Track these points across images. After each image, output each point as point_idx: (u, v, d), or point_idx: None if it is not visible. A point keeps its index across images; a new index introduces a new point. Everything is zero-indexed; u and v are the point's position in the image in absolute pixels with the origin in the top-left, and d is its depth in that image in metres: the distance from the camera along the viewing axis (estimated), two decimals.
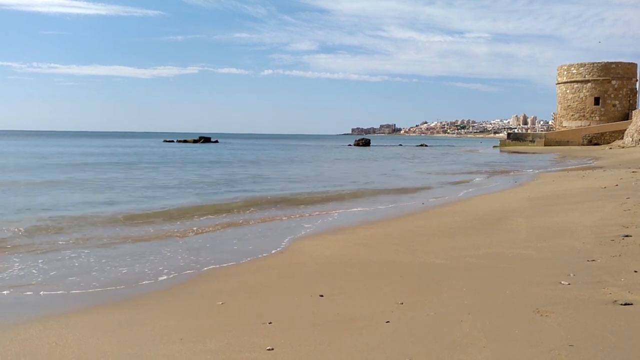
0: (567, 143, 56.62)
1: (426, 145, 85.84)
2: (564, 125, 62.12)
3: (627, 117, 56.14)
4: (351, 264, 7.30)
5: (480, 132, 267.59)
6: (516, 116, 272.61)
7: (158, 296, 5.94)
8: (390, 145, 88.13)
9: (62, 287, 6.44)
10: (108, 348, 4.33)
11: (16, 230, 9.91)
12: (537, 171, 26.66)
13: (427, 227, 10.32)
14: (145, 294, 6.10)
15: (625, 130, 50.04)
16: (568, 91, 61.78)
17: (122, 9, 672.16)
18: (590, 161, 32.56)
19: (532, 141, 62.13)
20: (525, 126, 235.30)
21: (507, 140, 67.94)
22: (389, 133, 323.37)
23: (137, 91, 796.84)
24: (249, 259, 7.98)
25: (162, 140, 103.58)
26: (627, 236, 7.63)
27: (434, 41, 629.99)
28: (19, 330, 4.86)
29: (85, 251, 8.56)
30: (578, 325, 4.42)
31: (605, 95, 59.79)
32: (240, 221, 11.82)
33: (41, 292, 6.22)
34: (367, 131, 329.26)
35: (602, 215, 9.58)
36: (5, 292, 6.42)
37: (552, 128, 77.26)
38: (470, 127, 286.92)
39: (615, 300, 4.97)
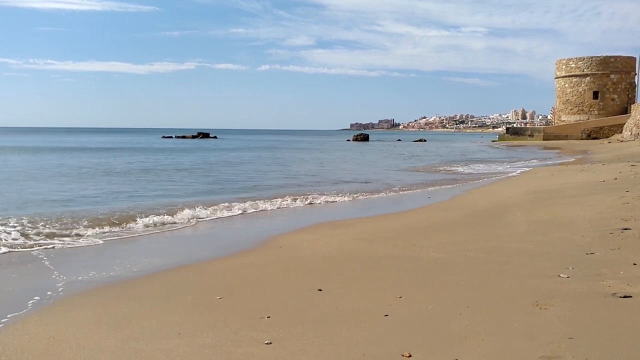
0: (566, 137, 56.61)
1: (424, 140, 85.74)
2: (562, 119, 62.11)
3: (625, 111, 56.10)
4: (350, 258, 7.29)
5: (479, 126, 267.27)
6: (515, 111, 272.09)
7: (156, 291, 5.91)
8: (389, 141, 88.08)
9: (60, 281, 6.42)
10: (106, 343, 4.32)
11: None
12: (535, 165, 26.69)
13: (426, 221, 10.31)
14: (142, 288, 6.08)
15: (624, 124, 50.00)
16: (567, 85, 61.73)
17: (117, 4, 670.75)
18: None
19: (531, 135, 62.15)
20: (524, 120, 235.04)
21: (506, 135, 67.94)
22: (388, 128, 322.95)
23: (134, 87, 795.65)
24: (247, 253, 7.96)
25: (161, 136, 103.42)
26: (626, 229, 7.63)
27: (430, 36, 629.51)
28: (17, 325, 4.84)
29: (82, 245, 8.56)
30: (577, 318, 4.41)
31: (604, 89, 59.75)
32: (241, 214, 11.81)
33: (39, 286, 6.19)
34: (366, 126, 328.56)
35: (601, 209, 9.57)
36: (1, 288, 6.42)
37: (551, 122, 77.33)
38: (469, 122, 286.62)
39: (614, 293, 4.97)
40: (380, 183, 19.54)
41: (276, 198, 14.30)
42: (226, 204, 12.91)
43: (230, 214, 12.05)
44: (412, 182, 19.86)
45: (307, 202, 13.96)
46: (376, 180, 20.68)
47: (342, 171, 25.78)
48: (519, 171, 23.25)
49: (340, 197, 15.06)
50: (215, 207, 12.41)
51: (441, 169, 27.43)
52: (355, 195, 15.51)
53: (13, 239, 8.74)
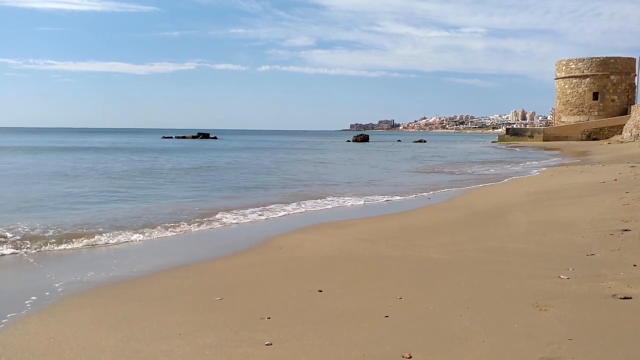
0: (565, 138, 56.59)
1: (424, 141, 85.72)
2: (562, 120, 62.10)
3: (625, 112, 56.07)
4: (350, 258, 7.29)
5: (479, 127, 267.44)
6: (515, 111, 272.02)
7: (156, 291, 5.91)
8: (389, 141, 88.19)
9: (60, 281, 6.42)
10: (106, 343, 4.32)
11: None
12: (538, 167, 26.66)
13: (427, 221, 10.31)
14: (142, 289, 6.08)
15: (624, 125, 50.00)
16: (567, 86, 61.72)
17: (117, 4, 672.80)
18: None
19: (531, 136, 62.16)
20: (524, 121, 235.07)
21: (506, 136, 67.97)
22: (388, 129, 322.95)
23: (134, 88, 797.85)
24: (247, 253, 7.96)
25: (161, 136, 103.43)
26: (626, 230, 7.62)
27: (430, 36, 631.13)
28: (17, 325, 4.84)
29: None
30: (577, 319, 4.41)
31: (604, 90, 59.74)
32: (240, 216, 11.78)
33: (39, 287, 6.19)
34: (366, 127, 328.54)
35: (601, 210, 9.57)
36: (1, 287, 6.42)
37: (550, 123, 77.29)
38: (469, 123, 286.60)
39: (615, 294, 4.97)
40: (400, 186, 18.84)
41: (302, 200, 14.19)
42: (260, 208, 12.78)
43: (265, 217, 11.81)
44: (426, 184, 19.24)
45: (342, 204, 13.84)
46: (387, 183, 20.23)
47: (347, 174, 25.42)
48: (536, 171, 22.98)
49: (388, 197, 14.89)
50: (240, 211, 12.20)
51: (446, 170, 27.35)
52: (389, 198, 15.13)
53: (14, 241, 8.72)
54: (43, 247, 8.37)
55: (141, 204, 13.58)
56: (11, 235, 8.99)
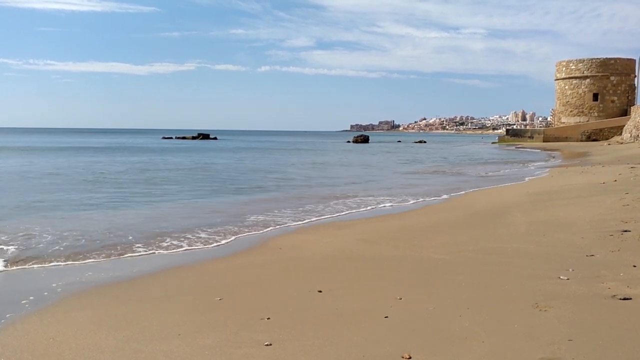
0: (565, 139, 56.54)
1: (424, 142, 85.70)
2: (562, 121, 62.10)
3: (625, 113, 56.05)
4: (351, 258, 7.29)
5: (479, 128, 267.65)
6: (515, 112, 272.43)
7: (156, 291, 5.91)
8: (389, 142, 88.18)
9: (60, 281, 6.42)
10: (106, 343, 4.32)
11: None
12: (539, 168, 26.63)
13: (427, 222, 10.31)
14: (142, 289, 6.08)
15: (624, 126, 49.97)
16: (567, 87, 61.72)
17: (117, 5, 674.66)
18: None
19: (531, 137, 62.15)
20: (524, 122, 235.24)
21: (506, 137, 67.98)
22: (388, 129, 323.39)
23: (134, 88, 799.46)
24: (247, 254, 7.96)
25: (161, 137, 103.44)
26: (625, 231, 7.63)
27: (430, 37, 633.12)
28: (17, 325, 4.84)
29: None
30: (577, 320, 4.41)
31: (604, 91, 59.74)
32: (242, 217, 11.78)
33: (38, 288, 6.19)
34: (366, 127, 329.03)
35: (601, 211, 9.57)
36: (1, 287, 6.42)
37: (551, 124, 77.27)
38: (469, 124, 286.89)
39: (614, 295, 4.97)
40: (410, 187, 18.30)
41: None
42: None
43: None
44: (438, 186, 18.84)
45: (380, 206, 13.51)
46: (396, 185, 19.52)
47: (350, 175, 24.88)
48: (540, 172, 22.75)
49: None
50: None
51: (449, 171, 27.31)
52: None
53: (16, 247, 8.70)
54: (83, 260, 7.67)
55: (157, 207, 13.34)
56: (36, 243, 8.71)
